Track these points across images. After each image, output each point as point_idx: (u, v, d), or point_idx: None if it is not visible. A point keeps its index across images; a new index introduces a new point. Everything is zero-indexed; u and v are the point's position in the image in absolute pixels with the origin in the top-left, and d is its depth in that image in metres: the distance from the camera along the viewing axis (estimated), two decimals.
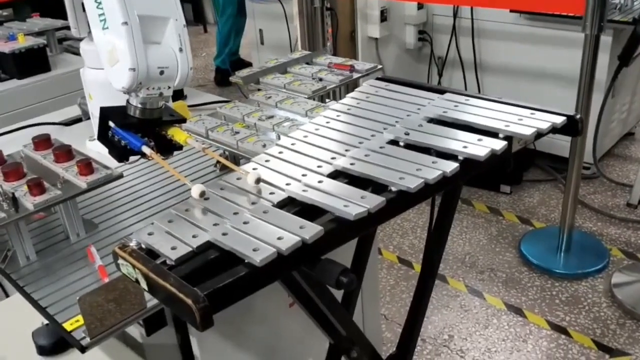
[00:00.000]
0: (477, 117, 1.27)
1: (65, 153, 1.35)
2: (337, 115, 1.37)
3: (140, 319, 1.11)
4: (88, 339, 1.04)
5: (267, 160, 1.19)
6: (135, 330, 1.25)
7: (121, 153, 1.21)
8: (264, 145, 1.37)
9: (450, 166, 1.09)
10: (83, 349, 1.03)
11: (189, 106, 1.97)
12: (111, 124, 1.20)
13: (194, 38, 6.49)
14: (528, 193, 3.34)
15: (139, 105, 1.17)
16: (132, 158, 1.22)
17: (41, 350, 1.26)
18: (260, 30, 4.67)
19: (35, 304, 1.15)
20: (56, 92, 2.50)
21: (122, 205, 1.43)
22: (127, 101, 1.19)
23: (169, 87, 1.16)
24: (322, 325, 1.33)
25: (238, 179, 1.13)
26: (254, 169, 1.16)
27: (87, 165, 1.29)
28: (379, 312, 2.26)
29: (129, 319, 1.08)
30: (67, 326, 1.07)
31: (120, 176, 1.31)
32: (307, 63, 1.89)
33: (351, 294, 1.57)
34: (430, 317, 2.46)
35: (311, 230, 0.93)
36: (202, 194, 1.04)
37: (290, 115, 1.53)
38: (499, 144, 1.16)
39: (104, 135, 1.23)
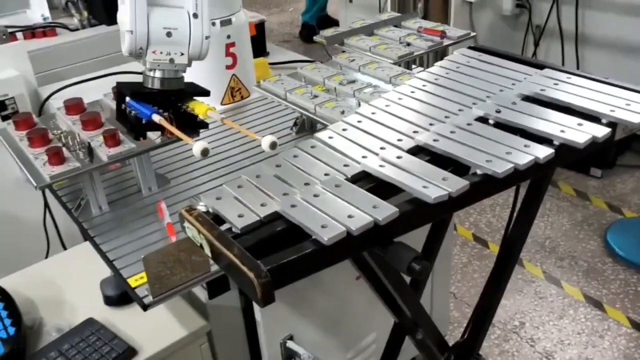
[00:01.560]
0: (579, 99, 1.15)
1: None
2: (423, 85, 1.28)
3: (204, 282, 1.10)
4: (150, 298, 1.03)
5: (344, 129, 1.13)
6: (199, 291, 1.24)
7: (135, 128, 1.15)
8: (343, 112, 1.30)
9: (545, 152, 0.99)
10: (145, 307, 1.03)
11: (270, 64, 1.93)
12: (127, 98, 1.14)
13: None
14: (621, 179, 3.11)
15: (156, 75, 1.10)
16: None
17: (108, 301, 1.28)
18: None
19: (103, 255, 1.15)
20: None
21: (195, 162, 1.41)
22: (143, 73, 1.12)
23: (182, 54, 1.08)
24: (388, 304, 1.28)
25: (313, 147, 1.08)
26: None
27: None
28: (449, 290, 2.18)
29: (192, 282, 1.06)
30: (132, 282, 1.07)
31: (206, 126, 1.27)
32: (396, 26, 1.80)
33: (429, 254, 1.51)
34: (501, 300, 2.35)
35: (385, 210, 0.87)
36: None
37: (373, 81, 1.46)
38: (601, 131, 1.04)
39: (121, 114, 1.18)
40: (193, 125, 1.16)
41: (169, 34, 1.05)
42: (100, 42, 2.45)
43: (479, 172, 0.97)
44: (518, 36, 3.66)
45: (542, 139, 1.04)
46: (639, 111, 1.09)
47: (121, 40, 1.07)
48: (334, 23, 4.55)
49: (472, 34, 1.73)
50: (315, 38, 1.74)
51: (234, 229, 0.90)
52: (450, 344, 1.36)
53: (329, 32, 1.74)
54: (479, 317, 1.37)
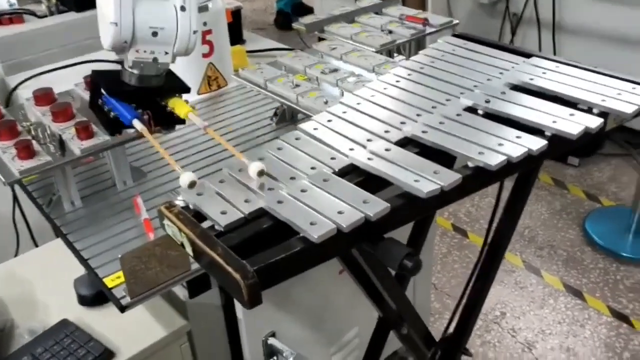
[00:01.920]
0: (569, 88, 1.12)
1: None
2: (409, 74, 1.25)
3: (184, 280, 1.05)
4: (128, 299, 0.98)
5: (329, 120, 1.09)
6: (179, 289, 1.19)
7: (112, 125, 1.08)
8: (326, 102, 1.26)
9: (537, 143, 0.96)
10: (123, 309, 0.98)
11: (247, 52, 1.87)
12: (103, 91, 1.07)
13: None
14: (598, 167, 3.13)
15: (134, 71, 1.01)
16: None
17: (82, 300, 1.22)
18: None
19: (77, 254, 1.10)
20: None
21: (173, 154, 1.35)
22: (122, 66, 1.04)
23: (166, 53, 1.00)
24: (372, 298, 1.25)
25: (297, 139, 1.04)
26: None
27: None
28: (430, 281, 2.17)
29: (172, 281, 1.02)
30: (109, 282, 1.02)
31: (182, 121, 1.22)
32: (376, 13, 1.76)
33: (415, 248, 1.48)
34: None
35: (376, 206, 0.83)
36: (192, 185, 0.89)
37: (356, 70, 1.41)
38: (594, 121, 1.01)
39: (95, 104, 1.11)
40: (170, 122, 1.09)
41: (154, 34, 0.98)
42: (69, 29, 2.36)
43: (470, 164, 0.94)
44: (495, 24, 3.65)
45: (534, 130, 1.01)
46: (631, 101, 1.07)
47: (101, 33, 0.99)
48: (309, 10, 4.49)
49: (455, 21, 1.70)
50: (295, 25, 1.69)
51: (216, 227, 0.85)
52: (432, 334, 1.33)
53: (308, 19, 1.69)
54: (465, 311, 1.34)
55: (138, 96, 1.04)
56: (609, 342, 2.14)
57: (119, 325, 1.16)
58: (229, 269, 0.76)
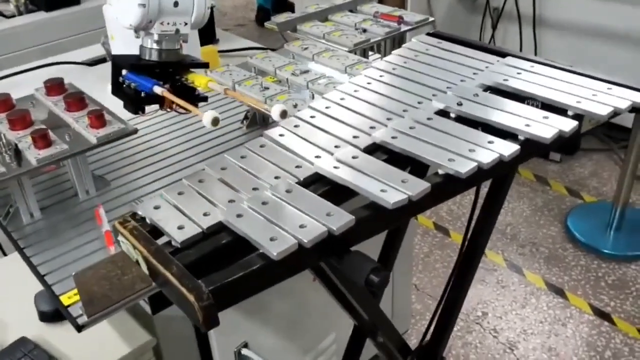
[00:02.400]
0: (543, 89, 1.09)
1: (77, 101, 1.23)
2: (380, 76, 1.21)
3: (146, 296, 1.00)
4: (85, 318, 0.93)
5: (296, 126, 1.05)
6: (144, 302, 1.15)
7: (134, 102, 1.09)
8: (295, 106, 1.22)
9: (510, 148, 0.93)
10: (79, 328, 0.93)
11: (220, 52, 1.82)
12: (124, 71, 1.08)
13: None
14: (579, 163, 3.12)
15: (155, 47, 1.05)
16: (150, 110, 1.10)
17: (43, 316, 1.17)
18: None
19: (34, 269, 1.05)
20: (86, 26, 2.36)
21: (138, 162, 1.30)
22: (141, 45, 1.07)
23: (186, 24, 1.04)
24: (345, 307, 1.21)
25: (262, 146, 1.00)
26: (280, 134, 1.02)
27: (98, 118, 1.17)
28: (410, 283, 2.14)
29: (132, 297, 0.96)
30: (65, 299, 0.97)
31: (135, 132, 1.18)
32: (351, 10, 1.72)
33: (386, 261, 1.45)
34: None
35: (340, 218, 0.79)
36: (216, 122, 0.91)
37: (328, 71, 1.37)
38: (568, 124, 0.98)
39: (118, 87, 1.11)
40: (192, 99, 1.10)
41: (175, 4, 1.02)
42: (38, 29, 2.30)
43: (440, 172, 0.90)
44: (475, 19, 3.62)
45: (506, 134, 0.98)
46: (606, 102, 1.04)
47: (123, 15, 1.01)
48: (290, 6, 4.44)
49: (431, 19, 1.66)
50: (267, 24, 1.64)
51: (173, 243, 0.81)
52: (413, 337, 1.30)
53: (281, 17, 1.64)
54: (441, 318, 1.31)
55: (160, 70, 1.07)
56: (590, 341, 2.12)
57: (81, 342, 1.12)
58: (183, 290, 0.72)
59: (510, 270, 2.46)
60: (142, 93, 1.06)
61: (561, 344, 2.11)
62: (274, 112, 0.91)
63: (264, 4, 5.02)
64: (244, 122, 1.44)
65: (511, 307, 2.28)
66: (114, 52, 1.58)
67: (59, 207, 1.19)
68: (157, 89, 1.03)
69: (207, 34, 1.94)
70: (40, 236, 1.12)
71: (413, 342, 1.69)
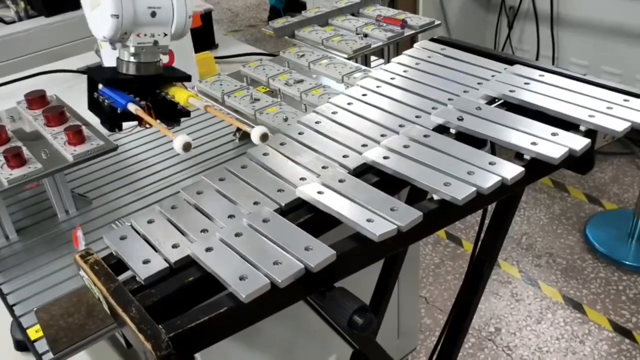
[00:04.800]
0: (553, 101, 1.00)
1: (57, 115, 1.17)
2: (377, 86, 1.13)
3: (117, 331, 0.93)
4: (51, 355, 0.86)
5: (282, 143, 0.97)
6: None
7: (110, 119, 1.03)
8: (286, 119, 1.14)
9: (513, 170, 0.84)
10: None
11: (217, 58, 1.75)
12: (100, 85, 1.02)
13: None
14: (600, 167, 2.99)
15: (132, 60, 0.98)
16: (131, 125, 1.05)
17: (19, 346, 1.11)
18: None
19: (3, 298, 0.98)
20: (87, 32, 2.30)
21: (121, 178, 1.23)
22: (117, 57, 1.00)
23: (165, 35, 0.98)
24: (338, 334, 1.13)
25: (243, 167, 0.92)
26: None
27: (76, 134, 1.10)
28: (418, 296, 2.05)
29: (102, 332, 0.90)
30: (33, 333, 0.91)
31: (115, 149, 1.11)
32: (353, 14, 1.63)
33: (384, 289, 1.36)
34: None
35: (319, 253, 0.71)
36: (187, 147, 0.83)
37: (324, 81, 1.29)
38: (579, 142, 0.89)
39: (93, 103, 1.05)
40: (173, 114, 1.04)
41: (153, 14, 0.95)
42: (39, 35, 2.26)
43: (435, 197, 0.81)
44: (491, 19, 3.52)
45: (511, 153, 0.89)
46: (622, 116, 0.94)
47: (95, 25, 0.95)
48: (302, 7, 4.36)
49: (437, 22, 1.56)
50: (264, 29, 1.56)
51: (138, 279, 0.74)
52: (422, 355, 1.22)
53: (278, 22, 1.56)
54: (450, 334, 1.22)
55: (137, 85, 1.00)
56: None
57: None
58: (141, 337, 0.64)
59: (526, 282, 2.35)
60: (118, 110, 0.99)
61: None
62: (254, 136, 0.83)
63: (276, 4, 4.95)
64: (237, 134, 1.37)
65: (526, 322, 2.17)
66: (105, 61, 1.52)
67: (36, 229, 1.13)
68: (131, 107, 0.96)
69: (205, 40, 1.87)
70: (15, 260, 1.06)
71: None
